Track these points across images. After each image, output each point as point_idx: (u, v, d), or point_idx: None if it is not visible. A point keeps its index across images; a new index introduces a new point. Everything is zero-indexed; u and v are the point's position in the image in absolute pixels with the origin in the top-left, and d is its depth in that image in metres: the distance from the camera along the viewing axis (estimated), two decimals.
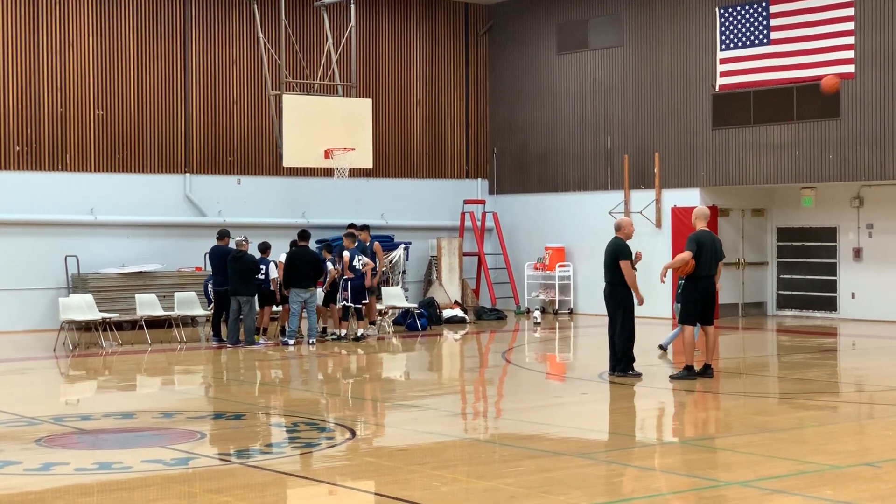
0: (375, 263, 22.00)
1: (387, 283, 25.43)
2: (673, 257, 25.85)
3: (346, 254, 21.35)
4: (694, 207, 16.88)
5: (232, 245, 21.08)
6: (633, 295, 15.56)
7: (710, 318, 15.43)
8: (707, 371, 15.33)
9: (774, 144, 24.45)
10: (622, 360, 15.55)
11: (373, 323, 22.44)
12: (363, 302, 21.47)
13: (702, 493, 8.71)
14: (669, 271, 16.04)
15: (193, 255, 24.78)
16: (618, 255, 15.47)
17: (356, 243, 21.63)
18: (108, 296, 22.94)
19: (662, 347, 18.80)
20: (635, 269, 15.63)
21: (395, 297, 24.33)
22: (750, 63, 24.17)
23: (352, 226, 22.95)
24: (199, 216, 25.40)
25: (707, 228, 15.76)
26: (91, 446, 11.19)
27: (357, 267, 21.32)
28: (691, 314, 15.37)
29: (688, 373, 15.25)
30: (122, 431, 11.91)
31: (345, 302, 21.40)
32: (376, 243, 22.63)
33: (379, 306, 23.06)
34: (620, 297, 15.50)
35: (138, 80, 24.74)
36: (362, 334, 21.35)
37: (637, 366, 15.77)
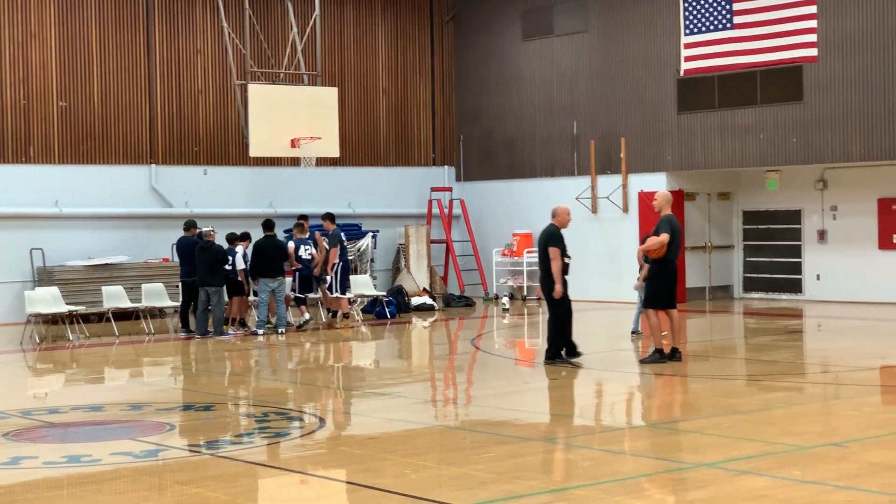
0: (323, 254, 22.12)
1: (355, 272, 25.42)
2: (641, 242, 26.02)
3: (290, 244, 21.53)
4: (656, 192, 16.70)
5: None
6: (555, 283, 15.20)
7: (674, 301, 15.49)
8: (675, 354, 15.41)
9: (739, 128, 24.58)
10: (550, 348, 15.50)
11: (346, 315, 22.48)
12: (306, 295, 21.75)
13: (670, 475, 8.77)
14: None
15: (160, 246, 24.68)
16: (548, 241, 15.25)
17: (307, 234, 21.99)
18: (74, 288, 22.81)
19: (636, 332, 18.74)
20: (568, 258, 15.35)
21: (363, 285, 24.33)
22: (714, 48, 24.27)
23: (302, 217, 23.02)
24: (166, 207, 25.29)
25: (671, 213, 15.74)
26: (60, 440, 11.15)
27: (304, 257, 21.55)
28: (660, 298, 15.40)
29: (659, 356, 15.31)
30: (90, 424, 11.87)
31: (293, 292, 21.70)
32: (316, 233, 22.53)
33: (349, 295, 23.10)
34: (549, 284, 15.34)
35: (102, 71, 24.59)
36: (302, 323, 21.36)
37: (607, 350, 15.81)
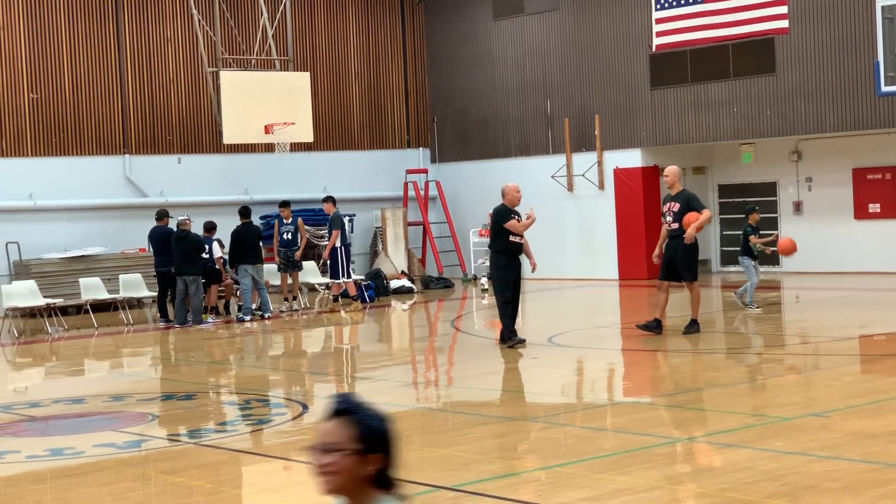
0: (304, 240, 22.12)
1: None
2: (617, 219, 26.10)
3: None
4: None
5: (172, 225, 21.01)
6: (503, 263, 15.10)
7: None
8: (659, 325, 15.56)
9: (712, 102, 24.62)
10: (503, 329, 15.26)
11: (355, 298, 22.29)
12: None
13: (654, 450, 8.81)
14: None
15: (136, 236, 24.53)
16: (498, 221, 15.18)
17: (289, 219, 22.08)
18: (51, 281, 22.69)
19: (748, 304, 18.33)
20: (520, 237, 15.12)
21: None
22: (685, 22, 24.26)
23: (283, 203, 22.69)
24: (141, 197, 25.19)
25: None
26: (41, 433, 11.11)
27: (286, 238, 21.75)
28: (696, 270, 15.74)
29: (696, 326, 15.56)
30: (72, 417, 11.83)
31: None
32: (299, 219, 22.42)
33: (324, 280, 23.06)
34: (496, 265, 15.23)
35: (72, 61, 24.43)
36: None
37: (586, 328, 15.82)
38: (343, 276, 21.67)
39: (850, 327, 16.29)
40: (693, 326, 15.63)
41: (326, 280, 23.18)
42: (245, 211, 21.34)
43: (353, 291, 21.93)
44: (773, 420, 9.86)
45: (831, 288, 22.15)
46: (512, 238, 15.03)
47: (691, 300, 15.81)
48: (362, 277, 24.46)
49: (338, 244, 21.52)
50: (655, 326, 15.58)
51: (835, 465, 8.14)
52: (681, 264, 15.55)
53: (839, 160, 24.48)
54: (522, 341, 15.13)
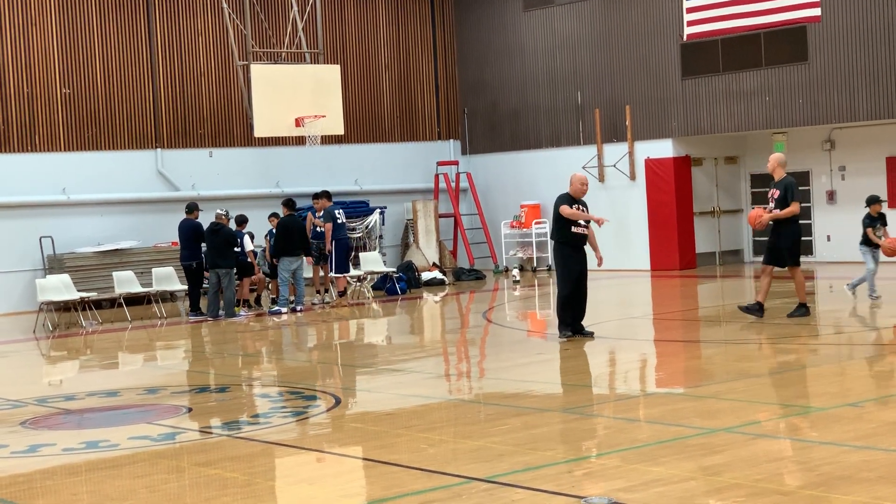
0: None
1: (364, 249, 25.43)
2: (649, 209, 26.00)
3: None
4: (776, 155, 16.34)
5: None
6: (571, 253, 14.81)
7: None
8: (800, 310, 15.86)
9: (744, 91, 24.49)
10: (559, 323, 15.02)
11: (342, 294, 22.42)
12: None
13: (687, 441, 8.77)
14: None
15: (169, 230, 24.62)
16: (556, 206, 14.75)
17: (321, 212, 22.00)
18: (85, 275, 22.85)
19: (870, 295, 18.28)
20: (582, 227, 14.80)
21: (373, 261, 24.35)
22: (716, 11, 24.11)
23: (316, 195, 22.71)
24: (173, 191, 25.30)
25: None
26: (77, 426, 11.18)
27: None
28: (799, 255, 15.89)
29: (805, 310, 15.80)
30: (107, 410, 11.90)
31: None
32: (308, 213, 22.40)
33: (355, 272, 23.13)
34: (559, 256, 14.97)
35: (103, 56, 24.56)
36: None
37: (619, 319, 15.74)
38: (335, 271, 21.73)
39: (885, 317, 16.17)
40: (801, 310, 15.82)
41: (358, 272, 23.27)
42: (290, 203, 21.29)
43: (340, 287, 21.99)
44: (808, 410, 9.80)
45: None
46: (575, 228, 14.63)
47: (795, 285, 15.89)
48: (394, 269, 24.51)
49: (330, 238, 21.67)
50: (757, 309, 15.75)
51: (870, 455, 8.09)
52: (784, 249, 15.63)
53: (873, 149, 24.30)
54: (570, 336, 14.75)
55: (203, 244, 21.01)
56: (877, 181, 24.32)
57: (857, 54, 22.86)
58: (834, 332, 15.59)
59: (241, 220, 21.52)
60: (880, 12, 22.43)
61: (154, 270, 22.36)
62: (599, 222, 14.76)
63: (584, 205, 14.90)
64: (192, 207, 21.41)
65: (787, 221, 15.62)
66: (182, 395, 12.71)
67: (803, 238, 25.45)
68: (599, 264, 15.11)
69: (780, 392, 10.81)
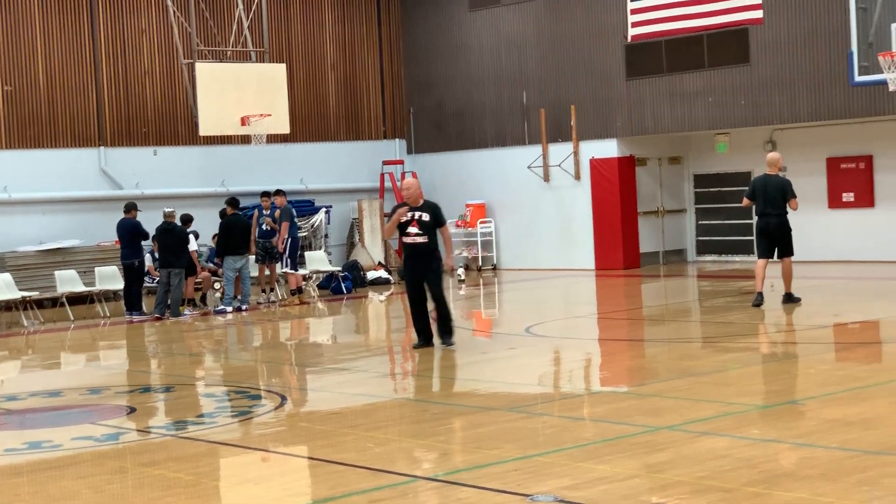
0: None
1: (309, 248, 25.37)
2: (593, 209, 26.15)
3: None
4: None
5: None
6: None
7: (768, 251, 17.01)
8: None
9: (687, 92, 24.70)
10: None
11: (295, 291, 22.38)
12: None
13: (632, 439, 8.85)
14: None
15: (112, 229, 24.37)
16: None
17: (268, 210, 21.90)
18: (27, 274, 22.61)
19: None
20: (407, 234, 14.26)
21: (318, 261, 24.30)
22: (660, 12, 24.27)
23: (265, 193, 22.67)
24: (116, 189, 25.10)
25: (767, 173, 17.01)
26: (19, 426, 11.08)
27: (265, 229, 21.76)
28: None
29: (789, 298, 17.05)
30: (49, 410, 11.80)
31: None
32: (255, 211, 22.35)
33: (302, 272, 23.09)
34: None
35: (46, 53, 24.30)
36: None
37: (563, 318, 15.78)
38: (286, 267, 21.76)
39: (825, 315, 16.39)
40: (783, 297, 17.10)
41: (304, 272, 23.23)
42: (234, 201, 21.28)
43: (293, 285, 21.98)
44: (750, 408, 9.92)
45: (805, 276, 22.21)
46: (404, 238, 14.25)
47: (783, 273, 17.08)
48: (339, 268, 24.48)
49: (286, 235, 21.63)
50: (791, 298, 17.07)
51: (811, 452, 8.21)
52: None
53: (813, 149, 24.60)
54: (416, 345, 14.41)
55: (144, 242, 20.91)
56: (817, 181, 24.63)
57: (799, 57, 23.13)
58: (776, 330, 15.78)
59: (186, 220, 21.39)
60: (821, 15, 22.71)
61: (97, 269, 22.18)
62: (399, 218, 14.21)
63: (430, 209, 14.24)
64: (131, 207, 21.26)
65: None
66: (126, 394, 12.63)
67: (747, 237, 25.94)
68: (448, 271, 14.77)
69: (722, 390, 10.93)
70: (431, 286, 14.17)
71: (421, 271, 14.17)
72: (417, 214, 14.14)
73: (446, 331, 14.37)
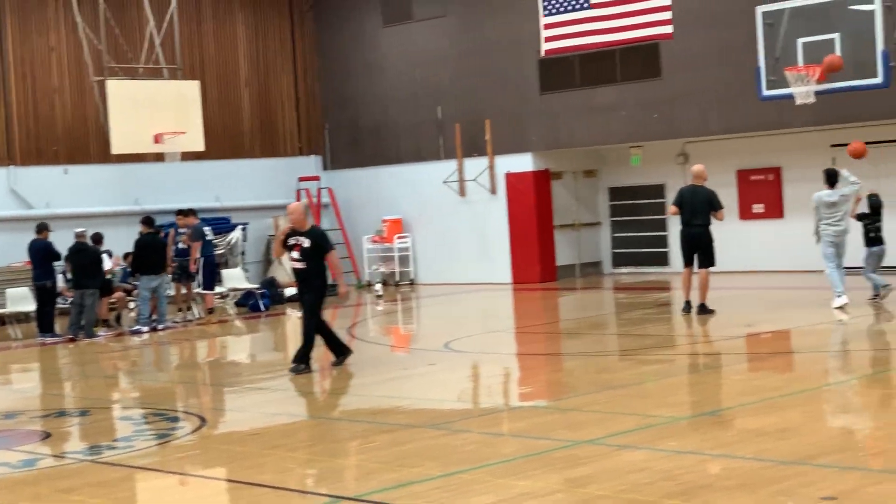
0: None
1: (226, 266, 25.18)
2: (509, 223, 26.28)
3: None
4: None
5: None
6: None
7: (691, 261, 17.55)
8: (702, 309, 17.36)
9: (601, 106, 24.96)
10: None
11: (210, 311, 22.25)
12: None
13: (553, 453, 8.91)
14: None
15: (23, 249, 23.95)
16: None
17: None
18: None
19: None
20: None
21: (235, 278, 24.14)
22: (573, 28, 24.53)
23: (180, 212, 22.57)
24: (26, 209, 24.70)
25: (694, 184, 17.59)
26: None
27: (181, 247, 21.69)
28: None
29: (703, 310, 17.39)
30: None
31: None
32: (171, 230, 22.29)
33: (219, 290, 22.93)
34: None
35: None
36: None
37: (481, 333, 15.87)
38: (199, 287, 21.69)
39: (738, 326, 16.62)
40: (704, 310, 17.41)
41: (221, 290, 23.08)
42: (148, 220, 21.07)
43: (209, 304, 21.89)
44: (668, 420, 10.04)
45: (718, 287, 22.50)
46: (291, 263, 14.41)
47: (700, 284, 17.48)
48: (256, 286, 24.33)
49: (198, 255, 21.53)
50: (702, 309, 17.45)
51: (729, 462, 8.33)
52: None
53: (724, 162, 24.97)
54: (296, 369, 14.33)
55: (56, 263, 20.58)
56: (728, 192, 24.97)
57: (709, 71, 23.49)
58: (692, 341, 15.98)
59: (98, 239, 21.10)
60: (730, 30, 23.06)
61: (8, 291, 21.80)
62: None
63: (313, 236, 14.11)
64: (42, 227, 20.92)
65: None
66: (40, 419, 12.42)
67: (661, 249, 26.25)
68: (339, 296, 14.80)
69: (641, 402, 11.04)
70: (304, 309, 14.47)
71: (302, 294, 14.46)
72: (300, 240, 14.11)
73: (301, 356, 14.23)
